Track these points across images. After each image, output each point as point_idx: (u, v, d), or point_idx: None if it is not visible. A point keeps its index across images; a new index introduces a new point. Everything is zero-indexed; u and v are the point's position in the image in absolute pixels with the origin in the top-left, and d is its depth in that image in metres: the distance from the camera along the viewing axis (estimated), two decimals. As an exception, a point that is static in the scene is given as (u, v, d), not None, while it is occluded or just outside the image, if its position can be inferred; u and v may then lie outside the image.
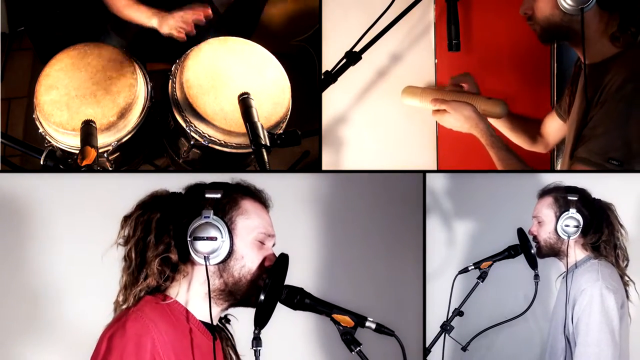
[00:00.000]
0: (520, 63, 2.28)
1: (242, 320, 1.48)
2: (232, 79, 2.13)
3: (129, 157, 2.22)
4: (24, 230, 2.01)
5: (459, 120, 2.02)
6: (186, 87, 2.07)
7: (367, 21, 2.04)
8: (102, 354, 1.26)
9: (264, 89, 2.14)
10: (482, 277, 1.93)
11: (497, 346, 2.27)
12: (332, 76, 2.00)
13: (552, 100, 2.31)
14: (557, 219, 1.87)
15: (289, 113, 2.17)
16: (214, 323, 1.40)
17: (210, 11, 2.20)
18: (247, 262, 1.38)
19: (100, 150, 1.98)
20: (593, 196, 1.92)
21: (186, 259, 1.37)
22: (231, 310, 1.46)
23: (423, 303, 2.10)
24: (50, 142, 2.05)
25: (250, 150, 1.84)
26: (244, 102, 1.93)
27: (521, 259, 1.93)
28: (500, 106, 2.07)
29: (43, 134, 2.05)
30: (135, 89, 2.04)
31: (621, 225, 1.92)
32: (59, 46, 2.14)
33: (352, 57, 2.00)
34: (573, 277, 1.85)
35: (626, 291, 1.88)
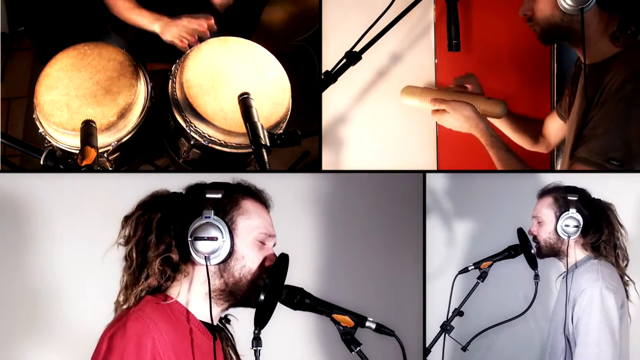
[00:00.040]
0: (520, 63, 2.28)
1: (242, 320, 1.48)
2: (232, 79, 2.13)
3: (129, 157, 2.22)
4: (24, 231, 2.01)
5: (458, 120, 2.02)
6: (186, 87, 2.07)
7: (367, 21, 2.04)
8: (103, 354, 1.26)
9: (264, 89, 2.14)
10: (482, 277, 1.93)
11: (497, 346, 2.27)
12: (332, 76, 2.00)
13: (552, 100, 2.31)
14: (557, 219, 1.87)
15: (289, 113, 2.17)
16: (214, 323, 1.40)
17: (213, 21, 2.20)
18: (247, 262, 1.38)
19: (100, 150, 1.98)
20: (593, 196, 1.92)
21: (187, 259, 1.37)
22: (231, 311, 1.46)
23: (423, 303, 2.10)
24: (50, 142, 2.04)
25: (250, 150, 1.84)
26: (244, 102, 1.93)
27: (521, 259, 1.93)
28: (500, 106, 2.07)
29: (43, 134, 2.05)
30: (135, 89, 2.04)
31: (621, 225, 1.92)
32: (59, 46, 2.14)
33: (352, 57, 2.00)
34: (573, 277, 1.86)
35: (626, 291, 1.88)
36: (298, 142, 1.96)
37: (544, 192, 1.94)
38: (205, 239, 1.34)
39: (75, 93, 2.03)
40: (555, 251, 1.91)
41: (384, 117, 2.28)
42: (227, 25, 2.35)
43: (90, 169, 1.74)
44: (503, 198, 2.28)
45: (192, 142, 2.10)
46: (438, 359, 1.93)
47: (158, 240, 1.37)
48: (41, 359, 2.00)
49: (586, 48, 1.81)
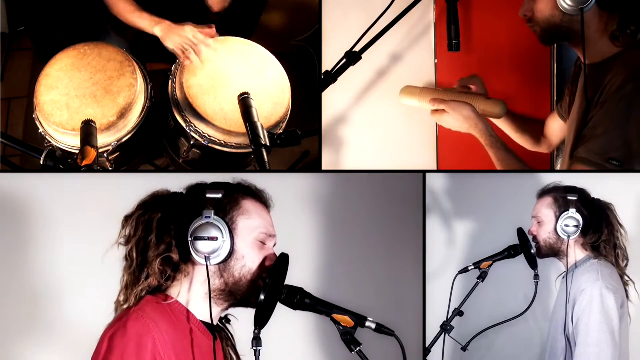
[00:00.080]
0: (520, 63, 2.28)
1: (242, 320, 1.48)
2: (232, 79, 2.13)
3: (129, 157, 2.22)
4: (24, 231, 2.01)
5: (458, 120, 2.02)
6: (186, 87, 2.08)
7: (367, 21, 2.04)
8: (103, 354, 1.26)
9: (264, 89, 2.14)
10: (482, 277, 1.93)
11: (497, 346, 2.27)
12: (332, 76, 2.00)
13: (552, 100, 2.31)
14: (557, 219, 1.87)
15: (289, 113, 2.17)
16: (214, 323, 1.40)
17: (214, 31, 2.19)
18: (247, 262, 1.38)
19: (100, 150, 1.98)
20: (593, 196, 1.92)
21: (187, 259, 1.37)
22: (231, 310, 1.46)
23: (423, 303, 2.10)
24: (50, 142, 2.04)
25: (250, 150, 1.85)
26: (244, 102, 1.93)
27: (521, 259, 1.93)
28: (500, 106, 2.07)
29: (43, 134, 2.05)
30: (135, 89, 2.04)
31: (621, 225, 1.92)
32: (59, 46, 2.14)
33: (352, 57, 2.00)
34: (573, 277, 1.86)
35: (626, 291, 1.88)
36: (298, 142, 1.96)
37: (544, 192, 1.94)
38: (205, 239, 1.34)
39: (75, 93, 2.04)
40: (555, 251, 1.91)
41: (384, 117, 2.28)
42: (227, 26, 2.35)
43: (90, 169, 1.74)
44: (503, 198, 2.28)
45: (192, 142, 2.10)
46: (438, 359, 1.93)
47: (158, 240, 1.37)
48: (41, 358, 1.99)
49: (586, 48, 1.81)
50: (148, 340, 1.27)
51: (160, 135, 2.30)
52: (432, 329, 1.97)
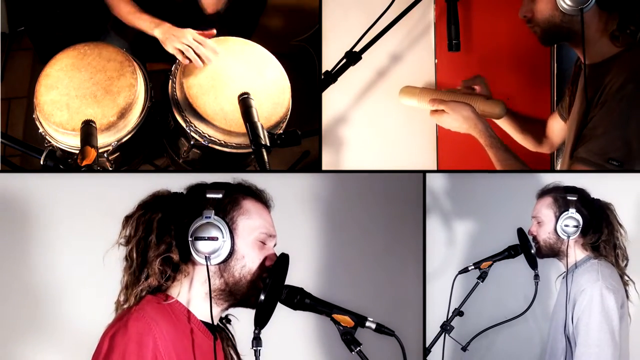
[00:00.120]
0: (520, 63, 2.28)
1: (242, 320, 1.48)
2: (232, 79, 2.13)
3: (129, 157, 2.22)
4: (24, 231, 2.01)
5: (457, 120, 2.02)
6: (186, 87, 2.08)
7: (367, 21, 2.04)
8: (104, 353, 1.26)
9: (264, 89, 2.14)
10: (482, 277, 1.93)
11: (497, 346, 2.27)
12: (332, 76, 2.00)
13: (552, 101, 2.31)
14: (557, 219, 1.87)
15: (289, 113, 2.17)
16: (215, 323, 1.40)
17: (214, 32, 2.18)
18: (247, 262, 1.38)
19: (100, 150, 1.98)
20: (592, 196, 1.92)
21: (187, 259, 1.37)
22: (231, 310, 1.46)
23: (423, 303, 2.10)
24: (50, 142, 2.04)
25: (250, 150, 1.85)
26: (244, 102, 1.93)
27: (521, 259, 1.93)
28: (499, 106, 2.07)
29: (43, 134, 2.05)
30: (135, 89, 2.04)
31: (620, 225, 1.92)
32: (59, 46, 2.14)
33: (352, 57, 2.00)
34: (573, 277, 1.86)
35: (626, 291, 1.88)
36: (298, 142, 1.96)
37: (544, 192, 1.94)
38: (205, 239, 1.34)
39: (75, 93, 2.03)
40: (555, 251, 1.91)
41: (384, 117, 2.28)
42: (227, 26, 2.34)
43: (90, 169, 1.74)
44: (503, 198, 2.28)
45: (192, 142, 2.10)
46: (438, 359, 1.93)
47: (158, 240, 1.37)
48: (42, 358, 2.00)
49: (586, 48, 1.82)
50: (149, 339, 1.27)
51: (160, 135, 2.30)
52: (432, 329, 1.97)
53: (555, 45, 2.27)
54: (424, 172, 2.19)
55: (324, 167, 2.25)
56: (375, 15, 2.03)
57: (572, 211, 1.85)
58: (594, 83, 1.82)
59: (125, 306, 1.37)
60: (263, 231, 1.41)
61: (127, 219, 1.40)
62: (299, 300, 1.40)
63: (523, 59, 2.28)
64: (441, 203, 2.30)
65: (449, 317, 1.93)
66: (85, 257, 1.91)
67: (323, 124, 2.24)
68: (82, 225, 2.00)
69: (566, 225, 1.85)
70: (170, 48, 2.11)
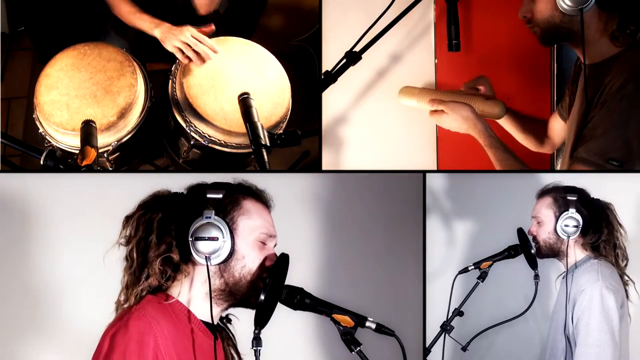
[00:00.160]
0: (520, 63, 2.28)
1: (243, 319, 1.48)
2: (232, 79, 2.13)
3: (129, 157, 2.22)
4: (24, 231, 2.01)
5: (456, 120, 2.01)
6: (186, 87, 2.08)
7: (367, 21, 2.04)
8: (105, 352, 1.26)
9: (264, 89, 2.14)
10: (482, 277, 1.93)
11: (497, 346, 2.27)
12: (332, 76, 2.00)
13: (552, 101, 2.31)
14: (557, 219, 1.87)
15: (289, 113, 2.17)
16: (215, 323, 1.40)
17: (213, 27, 2.18)
18: (248, 263, 1.38)
19: (100, 150, 1.98)
20: (592, 196, 1.92)
21: (187, 259, 1.37)
22: (232, 310, 1.46)
23: (423, 303, 2.10)
24: (50, 142, 2.04)
25: (250, 150, 1.85)
26: (244, 102, 1.93)
27: (521, 259, 1.93)
28: (499, 107, 2.07)
29: (43, 134, 2.05)
30: (135, 89, 2.04)
31: (620, 225, 1.92)
32: (59, 46, 2.14)
33: (352, 57, 2.00)
34: (573, 277, 1.86)
35: (626, 291, 1.88)
36: (298, 142, 1.96)
37: (544, 192, 1.94)
38: (206, 239, 1.34)
39: (75, 93, 2.03)
40: (554, 251, 1.91)
41: (384, 117, 2.28)
42: (227, 25, 2.35)
43: (90, 169, 1.74)
44: (503, 198, 2.28)
45: (192, 142, 2.10)
46: (438, 359, 1.93)
47: (159, 240, 1.37)
48: (42, 358, 2.00)
49: (586, 48, 1.81)
50: (150, 338, 1.27)
51: (160, 135, 2.30)
52: (432, 329, 1.97)
53: (555, 45, 2.27)
54: (424, 172, 2.19)
55: (324, 167, 2.25)
56: (375, 15, 2.03)
57: (572, 211, 1.85)
58: (594, 83, 1.82)
59: (126, 306, 1.37)
60: (263, 231, 1.41)
61: (128, 219, 1.40)
62: (299, 300, 1.40)
63: (523, 59, 2.28)
64: (441, 203, 2.30)
65: (449, 317, 1.93)
66: (85, 257, 1.91)
67: (323, 124, 2.24)
68: (82, 225, 2.00)
69: (566, 225, 1.85)
70: (169, 46, 2.11)
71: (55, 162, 1.88)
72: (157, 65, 2.39)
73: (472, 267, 1.93)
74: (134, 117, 2.05)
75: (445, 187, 2.30)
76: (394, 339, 1.38)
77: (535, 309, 2.03)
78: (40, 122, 2.04)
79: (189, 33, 2.10)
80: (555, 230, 1.87)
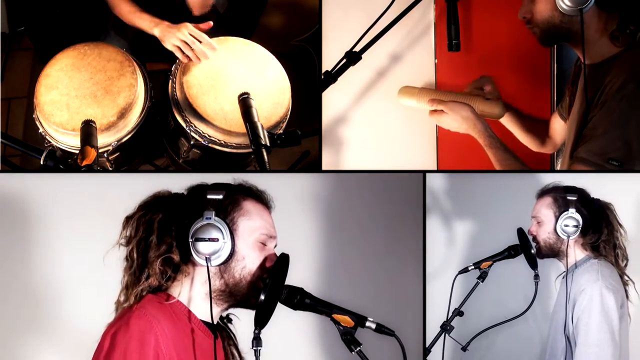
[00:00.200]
0: (520, 63, 2.28)
1: (243, 319, 1.48)
2: (232, 79, 2.13)
3: (129, 157, 2.22)
4: (24, 231, 2.01)
5: (456, 120, 2.01)
6: (186, 87, 2.08)
7: (367, 21, 2.04)
8: (106, 351, 1.26)
9: (264, 89, 2.14)
10: (482, 277, 1.93)
11: (497, 346, 2.27)
12: (332, 76, 2.00)
13: (552, 101, 2.31)
14: (557, 219, 1.87)
15: (289, 113, 2.17)
16: (215, 322, 1.40)
17: (211, 24, 2.18)
18: (248, 263, 1.38)
19: (100, 150, 1.98)
20: (592, 196, 1.92)
21: (187, 260, 1.37)
22: (232, 310, 1.46)
23: (423, 303, 2.11)
24: (50, 142, 2.05)
25: (250, 150, 1.85)
26: (244, 102, 1.93)
27: (521, 259, 1.93)
28: (499, 107, 2.07)
29: (43, 134, 2.05)
30: (135, 89, 2.04)
31: (620, 225, 1.92)
32: (59, 46, 2.14)
33: (352, 57, 2.00)
34: (573, 277, 1.86)
35: (626, 291, 1.88)
36: (298, 142, 1.96)
37: (543, 192, 1.94)
38: (206, 240, 1.34)
39: (75, 93, 2.04)
40: (554, 251, 1.91)
41: (384, 117, 2.28)
42: (227, 25, 2.35)
43: (90, 169, 1.74)
44: (503, 198, 2.28)
45: (192, 142, 2.10)
46: (438, 359, 1.93)
47: (159, 240, 1.37)
48: (42, 358, 2.00)
49: (586, 48, 1.82)
50: (150, 337, 1.27)
51: (160, 135, 2.30)
52: (432, 329, 1.97)
53: (555, 46, 2.26)
54: (424, 172, 2.19)
55: (324, 167, 2.25)
56: (375, 15, 2.03)
57: (572, 211, 1.85)
58: (594, 83, 1.82)
59: (125, 306, 1.37)
60: (263, 232, 1.41)
61: (128, 219, 1.40)
62: (299, 300, 1.40)
63: (523, 59, 2.28)
64: (441, 203, 2.30)
65: (449, 317, 1.93)
66: (86, 257, 1.91)
67: (323, 124, 2.24)
68: (82, 225, 2.00)
69: (566, 225, 1.85)
70: (168, 45, 2.12)
71: (55, 162, 1.88)
72: (157, 65, 2.39)
73: (472, 267, 1.93)
74: (134, 117, 2.05)
75: (445, 187, 2.30)
76: (394, 339, 1.38)
77: (535, 309, 2.03)
78: (40, 122, 2.05)
79: (186, 30, 2.10)
80: (555, 230, 1.87)
